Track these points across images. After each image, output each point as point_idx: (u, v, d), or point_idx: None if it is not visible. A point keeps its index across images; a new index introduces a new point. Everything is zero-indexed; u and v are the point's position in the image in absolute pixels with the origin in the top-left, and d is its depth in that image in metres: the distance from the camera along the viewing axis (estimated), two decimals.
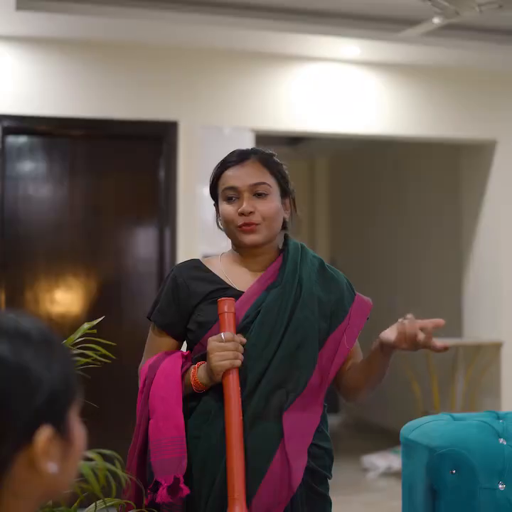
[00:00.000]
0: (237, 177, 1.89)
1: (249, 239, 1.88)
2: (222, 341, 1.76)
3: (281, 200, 1.93)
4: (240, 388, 1.77)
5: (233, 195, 1.89)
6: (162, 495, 1.75)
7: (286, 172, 1.97)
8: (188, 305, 1.89)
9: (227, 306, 1.80)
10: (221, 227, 1.97)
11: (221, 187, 1.92)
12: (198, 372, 1.82)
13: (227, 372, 1.76)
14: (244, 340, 1.80)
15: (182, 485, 1.75)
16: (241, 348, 1.78)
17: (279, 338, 1.82)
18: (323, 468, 1.89)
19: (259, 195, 1.88)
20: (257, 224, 1.87)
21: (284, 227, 1.98)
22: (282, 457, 1.78)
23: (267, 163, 1.92)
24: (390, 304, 6.99)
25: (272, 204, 1.89)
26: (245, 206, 1.86)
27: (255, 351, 1.81)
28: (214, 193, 1.96)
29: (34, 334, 0.90)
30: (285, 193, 1.95)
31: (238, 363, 1.76)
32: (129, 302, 4.80)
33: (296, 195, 2.01)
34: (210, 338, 1.79)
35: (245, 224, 1.87)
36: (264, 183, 1.89)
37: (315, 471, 1.86)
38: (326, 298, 1.90)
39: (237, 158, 1.91)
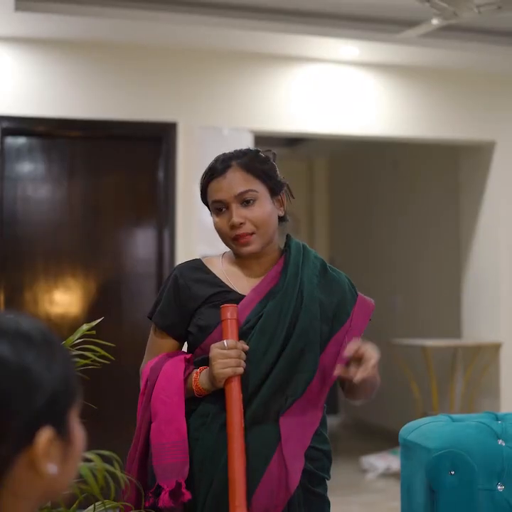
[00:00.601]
0: (221, 189, 1.85)
1: (245, 250, 1.86)
2: (225, 349, 1.75)
3: (273, 199, 1.89)
4: (241, 395, 1.76)
5: (221, 207, 1.86)
6: (164, 500, 1.74)
7: (274, 165, 1.91)
8: (189, 307, 1.88)
9: (230, 313, 1.79)
10: None
11: (209, 199, 1.90)
12: (199, 378, 1.81)
13: (229, 379, 1.75)
14: (246, 347, 1.79)
15: (184, 490, 1.75)
16: (243, 355, 1.77)
17: (280, 344, 1.81)
18: (322, 471, 1.88)
19: (247, 203, 1.85)
20: (250, 234, 1.84)
21: (284, 219, 1.94)
22: (280, 460, 1.78)
23: (249, 167, 1.86)
24: (390, 305, 6.99)
25: (262, 209, 1.85)
26: (234, 219, 1.83)
27: (256, 356, 1.80)
28: (205, 202, 1.94)
29: (35, 335, 0.90)
30: (275, 191, 1.90)
31: (241, 370, 1.76)
32: (128, 303, 4.80)
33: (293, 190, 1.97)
34: (212, 345, 1.78)
35: (238, 235, 1.84)
36: (249, 191, 1.85)
37: (313, 473, 1.85)
38: (328, 300, 1.89)
39: (219, 168, 1.87)
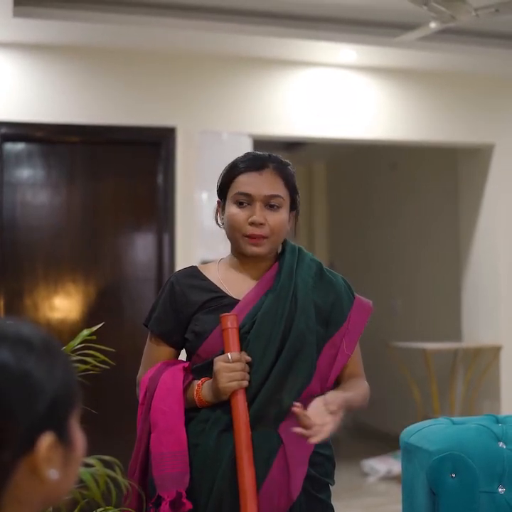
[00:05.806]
0: (253, 185, 1.86)
1: (252, 250, 1.86)
2: (229, 362, 1.75)
3: (290, 213, 1.92)
4: (247, 407, 1.76)
5: (245, 201, 1.86)
6: (164, 510, 1.74)
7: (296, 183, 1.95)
8: (185, 313, 1.87)
9: (230, 322, 1.78)
10: (220, 224, 1.94)
11: (233, 190, 1.88)
12: (202, 391, 1.81)
13: (234, 392, 1.75)
14: (249, 358, 1.78)
15: (184, 500, 1.74)
16: (247, 367, 1.77)
17: (276, 348, 1.81)
18: (324, 476, 1.87)
19: (271, 207, 1.86)
20: (264, 237, 1.84)
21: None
22: (281, 466, 1.77)
23: (283, 174, 1.90)
24: (389, 308, 6.99)
25: (282, 217, 1.87)
26: (257, 217, 1.84)
27: (254, 361, 1.79)
28: (222, 192, 1.93)
29: (35, 341, 0.91)
30: (293, 206, 1.93)
31: (246, 383, 1.76)
32: (128, 308, 4.80)
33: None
34: (216, 359, 1.77)
35: (254, 234, 1.84)
36: (279, 196, 1.87)
37: (315, 478, 1.84)
38: (323, 303, 1.88)
39: (255, 164, 1.88)
